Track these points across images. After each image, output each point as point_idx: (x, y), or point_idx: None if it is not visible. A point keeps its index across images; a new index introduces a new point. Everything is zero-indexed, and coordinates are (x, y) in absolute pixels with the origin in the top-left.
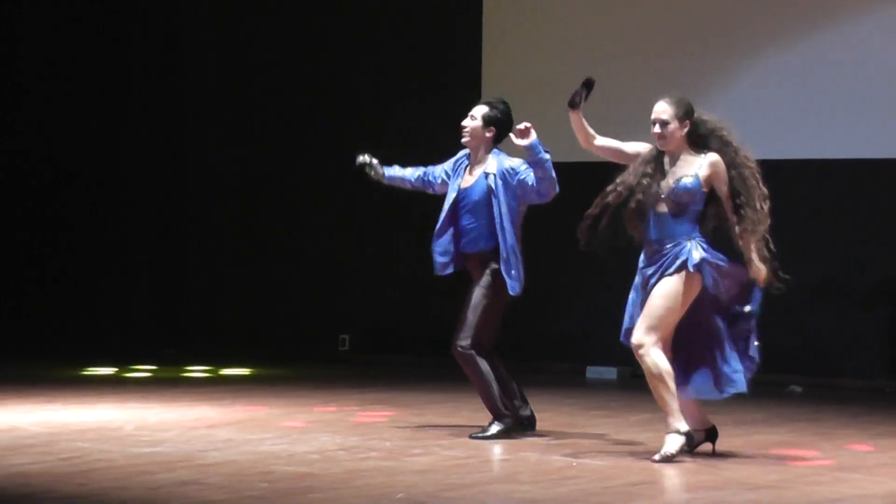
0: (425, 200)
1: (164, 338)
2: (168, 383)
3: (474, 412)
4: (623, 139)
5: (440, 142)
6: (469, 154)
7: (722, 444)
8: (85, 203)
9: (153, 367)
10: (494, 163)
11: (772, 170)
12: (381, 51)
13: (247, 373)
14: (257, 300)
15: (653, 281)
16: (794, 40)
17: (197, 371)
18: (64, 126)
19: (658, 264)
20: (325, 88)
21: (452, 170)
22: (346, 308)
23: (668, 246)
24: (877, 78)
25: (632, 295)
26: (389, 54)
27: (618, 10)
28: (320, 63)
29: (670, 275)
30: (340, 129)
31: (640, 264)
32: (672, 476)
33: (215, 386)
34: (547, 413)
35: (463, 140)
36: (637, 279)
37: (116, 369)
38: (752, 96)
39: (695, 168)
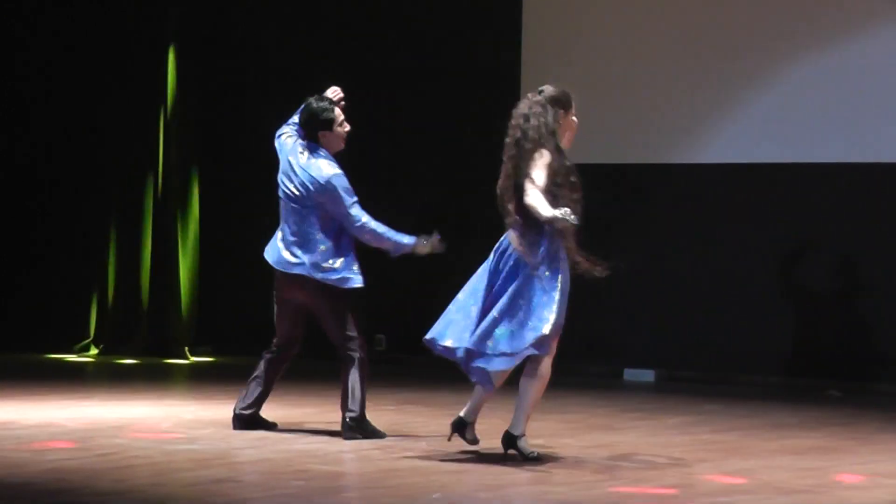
0: (459, 201)
1: (199, 335)
2: (202, 380)
3: (509, 412)
4: (658, 138)
5: (476, 142)
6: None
7: (757, 447)
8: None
9: (186, 363)
10: None
11: (810, 172)
12: (420, 50)
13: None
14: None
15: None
16: (833, 43)
17: (230, 369)
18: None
19: None
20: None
21: None
22: (383, 307)
23: None
24: None
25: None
26: (428, 54)
27: (654, 12)
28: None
29: None
30: (377, 127)
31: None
32: (706, 480)
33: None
34: (582, 415)
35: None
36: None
37: (145, 363)
38: (791, 99)
39: None
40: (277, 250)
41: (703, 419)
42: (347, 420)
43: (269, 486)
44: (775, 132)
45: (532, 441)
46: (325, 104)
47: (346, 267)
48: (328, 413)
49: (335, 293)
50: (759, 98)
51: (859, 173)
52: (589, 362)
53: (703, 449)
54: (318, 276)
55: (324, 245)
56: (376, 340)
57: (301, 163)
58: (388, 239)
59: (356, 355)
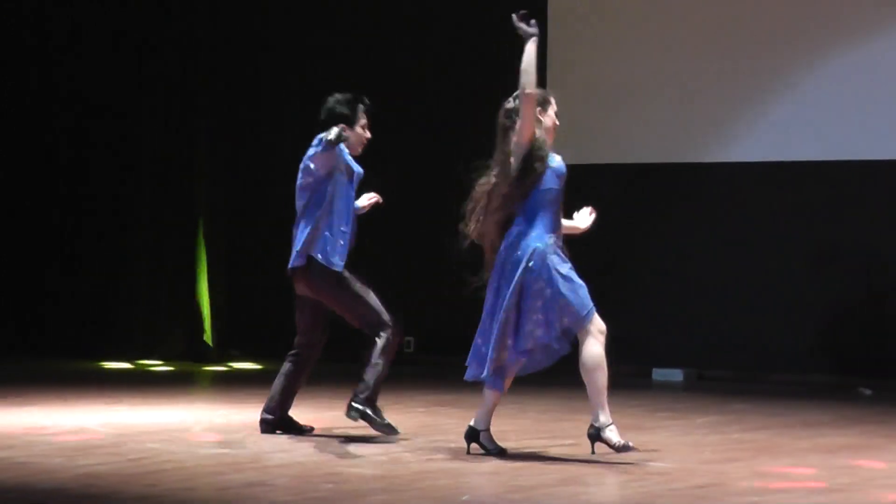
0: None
1: (229, 338)
2: (233, 383)
3: (541, 412)
4: (685, 137)
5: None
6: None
7: (789, 446)
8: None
9: (219, 368)
10: None
11: (835, 170)
12: (440, 50)
13: (314, 373)
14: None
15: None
16: (860, 41)
17: (258, 372)
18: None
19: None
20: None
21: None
22: (412, 310)
23: None
24: None
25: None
26: (449, 57)
27: (679, 10)
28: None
29: None
30: (396, 127)
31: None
32: (738, 478)
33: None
34: (612, 415)
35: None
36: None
37: (177, 368)
38: (820, 96)
39: None
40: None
41: (733, 418)
42: (353, 400)
43: (300, 490)
44: (805, 130)
45: (562, 442)
46: (345, 99)
47: (326, 248)
48: None
49: (327, 278)
50: (788, 96)
51: (888, 170)
52: (617, 362)
53: (734, 448)
54: (303, 262)
55: (307, 231)
56: (405, 343)
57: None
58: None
59: (378, 335)
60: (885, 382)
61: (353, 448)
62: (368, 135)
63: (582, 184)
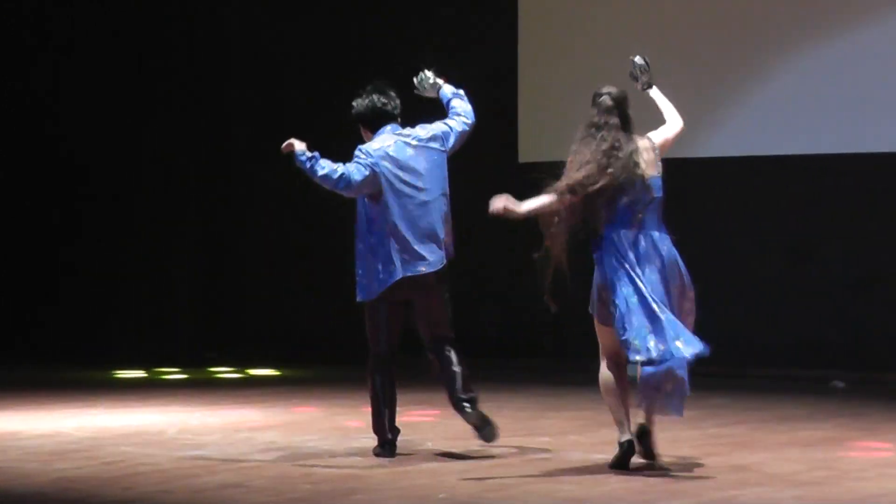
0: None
1: (204, 341)
2: (207, 386)
3: (517, 410)
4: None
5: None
6: None
7: (766, 440)
8: (118, 203)
9: (191, 371)
10: None
11: (815, 165)
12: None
13: (288, 375)
14: (300, 301)
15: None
16: (836, 34)
17: (235, 374)
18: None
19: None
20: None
21: None
22: None
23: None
24: None
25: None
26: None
27: (653, 7)
28: (349, 56)
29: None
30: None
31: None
32: (716, 473)
33: (256, 389)
34: (591, 412)
35: None
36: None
37: (152, 373)
38: (793, 92)
39: None
40: None
41: (711, 413)
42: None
43: (277, 491)
44: (781, 125)
45: (540, 439)
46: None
47: (360, 274)
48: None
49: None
50: (763, 91)
51: (865, 164)
52: (595, 358)
53: (711, 443)
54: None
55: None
56: None
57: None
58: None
59: (451, 344)
60: (861, 376)
61: (330, 448)
62: None
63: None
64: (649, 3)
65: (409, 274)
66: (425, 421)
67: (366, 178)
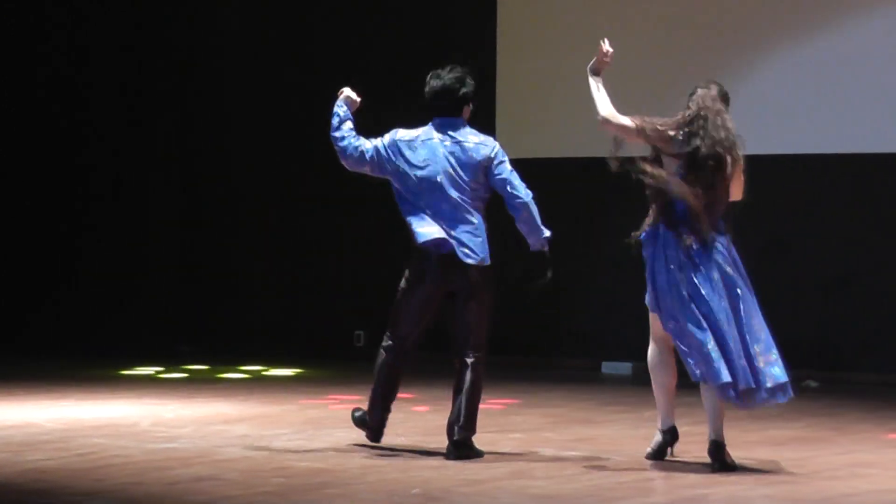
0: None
1: (178, 334)
2: (183, 380)
3: (490, 406)
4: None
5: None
6: None
7: (737, 438)
8: (104, 198)
9: (166, 364)
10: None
11: (787, 164)
12: (392, 47)
13: (262, 369)
14: (271, 297)
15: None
16: (810, 34)
17: (212, 367)
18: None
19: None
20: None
21: None
22: (362, 304)
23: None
24: (891, 72)
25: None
26: (400, 50)
27: (632, 4)
28: (327, 61)
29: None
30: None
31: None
32: (687, 471)
33: (230, 382)
34: (562, 409)
35: None
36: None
37: (130, 366)
38: (767, 91)
39: None
40: None
41: (682, 411)
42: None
43: (249, 484)
44: (751, 124)
45: (512, 436)
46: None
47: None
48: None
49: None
50: (734, 90)
51: (836, 164)
52: (567, 356)
53: (683, 441)
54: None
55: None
56: (355, 337)
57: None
58: None
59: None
60: (833, 375)
61: (303, 442)
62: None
63: (532, 178)
64: (629, 2)
65: None
66: (397, 415)
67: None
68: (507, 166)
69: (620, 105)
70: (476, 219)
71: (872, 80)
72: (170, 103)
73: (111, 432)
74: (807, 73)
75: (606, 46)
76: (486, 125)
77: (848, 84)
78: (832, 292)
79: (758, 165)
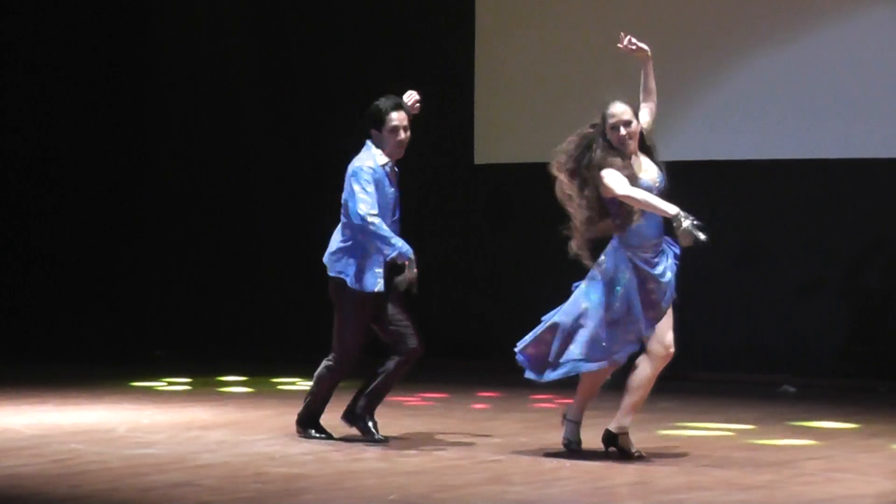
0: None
1: (155, 340)
2: (158, 386)
3: (467, 412)
4: None
5: (431, 142)
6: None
7: (715, 444)
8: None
9: (146, 370)
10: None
11: (763, 170)
12: (371, 49)
13: (238, 375)
14: (247, 302)
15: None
16: (786, 40)
17: (189, 373)
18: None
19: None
20: (318, 90)
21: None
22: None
23: (662, 244)
24: (868, 78)
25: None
26: (380, 54)
27: (608, 10)
28: (310, 63)
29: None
30: (334, 130)
31: (639, 262)
32: (663, 476)
33: (207, 388)
34: (540, 414)
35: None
36: (632, 278)
37: (108, 371)
38: (742, 97)
39: (655, 166)
40: None
41: (659, 416)
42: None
43: (227, 490)
44: (727, 129)
45: (488, 441)
46: (383, 103)
47: (362, 267)
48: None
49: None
50: (710, 95)
51: (810, 169)
52: None
53: (659, 447)
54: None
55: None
56: None
57: None
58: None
59: (329, 364)
60: (808, 380)
61: (280, 448)
62: (402, 136)
63: (506, 184)
64: (605, 7)
65: None
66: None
67: None
68: (350, 186)
69: (592, 105)
70: (345, 235)
71: (844, 87)
72: (165, 112)
73: (88, 438)
74: (779, 79)
75: (624, 39)
76: (464, 130)
77: (820, 90)
78: (807, 297)
79: (731, 171)
